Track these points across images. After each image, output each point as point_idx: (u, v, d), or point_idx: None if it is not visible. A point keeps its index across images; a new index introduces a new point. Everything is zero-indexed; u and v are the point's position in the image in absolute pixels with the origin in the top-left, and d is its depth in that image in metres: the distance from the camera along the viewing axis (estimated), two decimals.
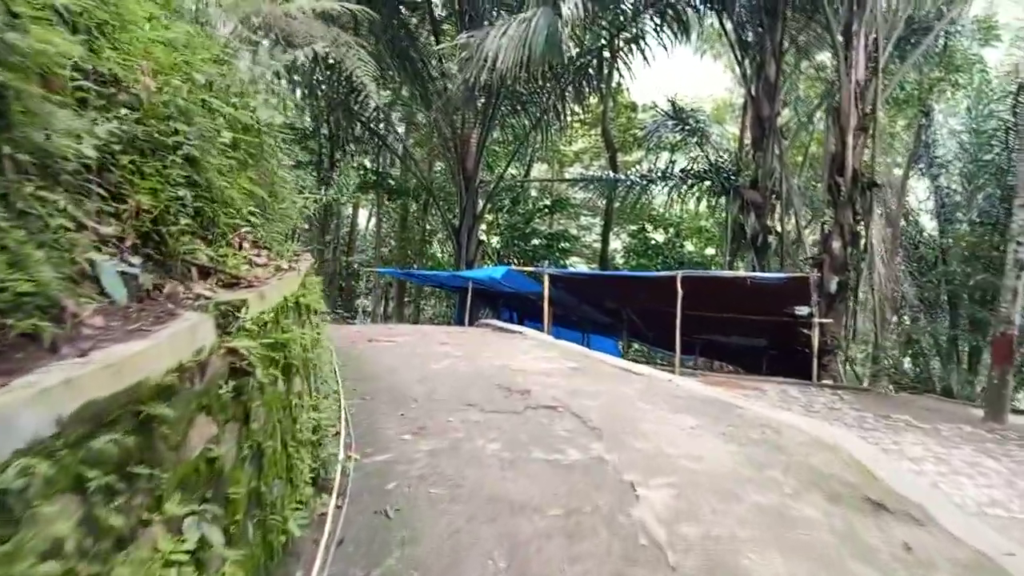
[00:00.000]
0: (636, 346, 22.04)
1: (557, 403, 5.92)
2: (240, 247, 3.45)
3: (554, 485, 3.91)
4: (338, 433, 4.57)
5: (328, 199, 14.65)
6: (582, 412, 5.63)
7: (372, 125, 19.52)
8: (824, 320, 14.22)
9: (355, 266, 29.14)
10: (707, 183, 21.81)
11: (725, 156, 22.64)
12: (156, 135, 2.75)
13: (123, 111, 2.64)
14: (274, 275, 3.44)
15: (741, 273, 14.53)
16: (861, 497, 4.12)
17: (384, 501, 3.56)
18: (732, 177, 20.66)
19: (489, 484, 3.87)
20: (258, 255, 3.79)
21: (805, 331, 14.88)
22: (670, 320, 13.96)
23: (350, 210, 34.44)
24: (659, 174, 21.55)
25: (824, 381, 14.37)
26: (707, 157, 22.74)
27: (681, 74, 39.39)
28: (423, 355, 8.85)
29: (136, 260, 2.42)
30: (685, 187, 21.68)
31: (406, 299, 29.43)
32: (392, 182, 25.34)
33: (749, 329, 15.44)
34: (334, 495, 3.46)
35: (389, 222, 31.09)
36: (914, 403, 13.10)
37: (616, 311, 16.61)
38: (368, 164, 26.31)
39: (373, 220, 31.41)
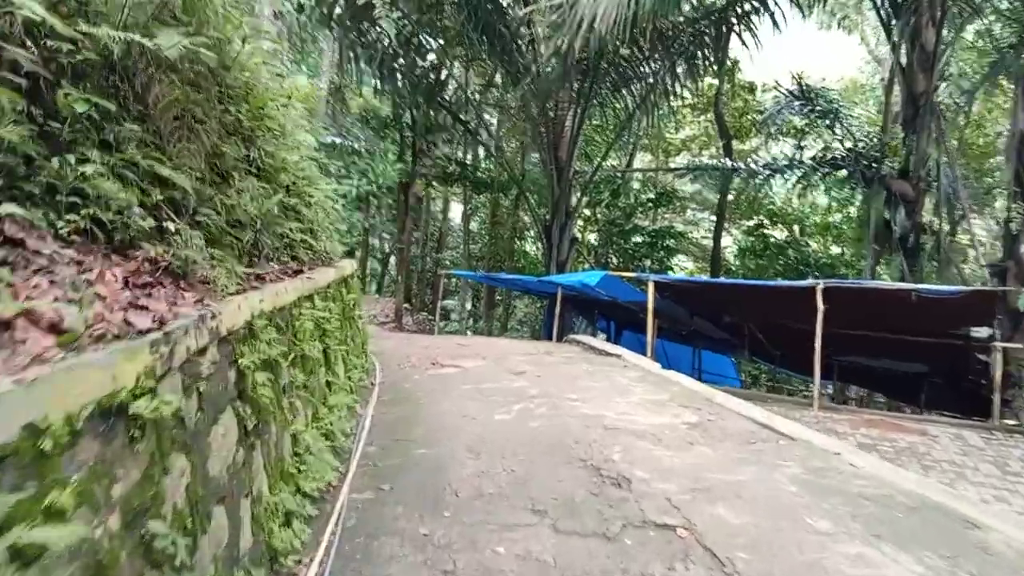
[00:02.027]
0: (752, 363, 19.09)
1: (675, 515, 3.71)
2: None
3: None
4: None
5: (360, 190, 12.89)
6: (718, 542, 3.39)
7: (455, 110, 17.63)
8: (1010, 344, 11.11)
9: (446, 263, 27.65)
10: (842, 172, 18.56)
11: (863, 141, 19.25)
12: None
13: None
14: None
15: (902, 285, 11.59)
16: None
17: None
18: (874, 165, 17.39)
19: None
20: (97, 299, 1.84)
21: (981, 357, 11.79)
22: (803, 339, 11.29)
23: (441, 204, 33.01)
24: (785, 162, 18.47)
25: (1008, 422, 11.25)
26: (841, 143, 19.44)
27: (802, 53, 35.41)
28: (489, 394, 6.83)
29: None
30: (816, 177, 18.50)
31: (497, 298, 27.59)
32: (480, 174, 23.48)
33: (905, 352, 12.44)
34: None
35: (479, 218, 29.33)
36: None
37: (736, 325, 13.97)
38: (460, 155, 24.65)
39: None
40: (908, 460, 9.19)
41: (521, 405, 6.34)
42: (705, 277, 22.62)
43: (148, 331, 1.88)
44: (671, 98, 16.52)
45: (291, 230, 4.86)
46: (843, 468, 4.92)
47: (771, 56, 28.20)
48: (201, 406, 2.15)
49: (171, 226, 2.75)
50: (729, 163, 19.85)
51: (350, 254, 28.30)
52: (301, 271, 4.74)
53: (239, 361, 2.60)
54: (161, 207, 2.79)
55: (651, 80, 15.66)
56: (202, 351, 2.21)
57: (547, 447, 5.00)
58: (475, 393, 6.91)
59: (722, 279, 19.17)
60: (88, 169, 2.36)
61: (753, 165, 19.52)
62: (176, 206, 2.93)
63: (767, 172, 18.63)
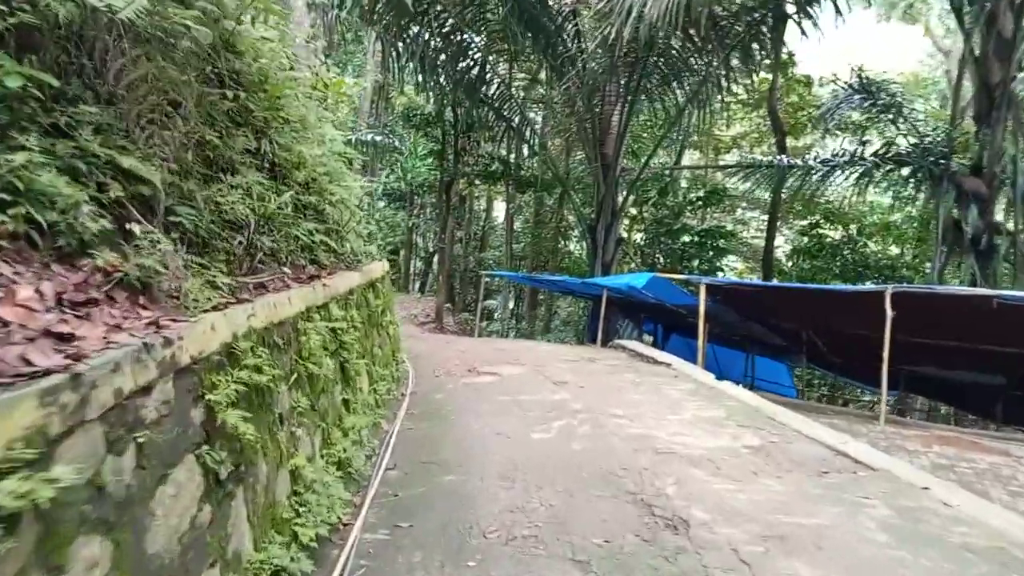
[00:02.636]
0: (799, 370, 17.94)
1: (744, 574, 3.10)
2: None
3: None
4: None
5: (387, 186, 12.44)
6: None
7: (498, 107, 17.09)
8: None
9: (489, 263, 27.21)
10: (906, 169, 17.41)
11: (929, 137, 18.03)
12: None
13: None
14: None
15: (982, 290, 10.64)
16: None
17: None
18: (942, 161, 16.24)
19: None
20: None
21: None
22: (868, 346, 10.46)
23: (484, 203, 32.57)
24: (845, 158, 17.38)
25: None
26: (905, 138, 18.26)
27: (857, 49, 33.70)
28: (527, 408, 6.28)
29: None
30: (879, 174, 17.38)
31: (539, 298, 27.00)
32: (523, 173, 22.92)
33: (982, 362, 11.43)
34: None
35: (523, 217, 28.77)
36: None
37: (793, 331, 13.09)
38: (504, 153, 24.13)
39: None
40: (991, 484, 8.28)
41: (562, 422, 5.78)
42: (759, 280, 21.61)
43: (49, 372, 1.39)
44: (724, 90, 15.70)
45: (310, 232, 4.41)
46: (937, 508, 4.22)
47: (825, 51, 26.78)
48: (140, 463, 1.66)
49: (136, 228, 2.29)
50: (785, 160, 18.84)
51: (395, 253, 28.07)
52: (318, 276, 4.28)
53: (208, 396, 2.11)
54: (125, 205, 2.33)
55: (703, 74, 14.86)
56: (145, 389, 1.72)
57: (590, 475, 4.43)
58: (512, 406, 6.38)
59: (777, 282, 18.16)
60: (18, 158, 1.89)
61: (810, 162, 18.46)
62: (148, 205, 2.47)
63: (824, 169, 17.59)
